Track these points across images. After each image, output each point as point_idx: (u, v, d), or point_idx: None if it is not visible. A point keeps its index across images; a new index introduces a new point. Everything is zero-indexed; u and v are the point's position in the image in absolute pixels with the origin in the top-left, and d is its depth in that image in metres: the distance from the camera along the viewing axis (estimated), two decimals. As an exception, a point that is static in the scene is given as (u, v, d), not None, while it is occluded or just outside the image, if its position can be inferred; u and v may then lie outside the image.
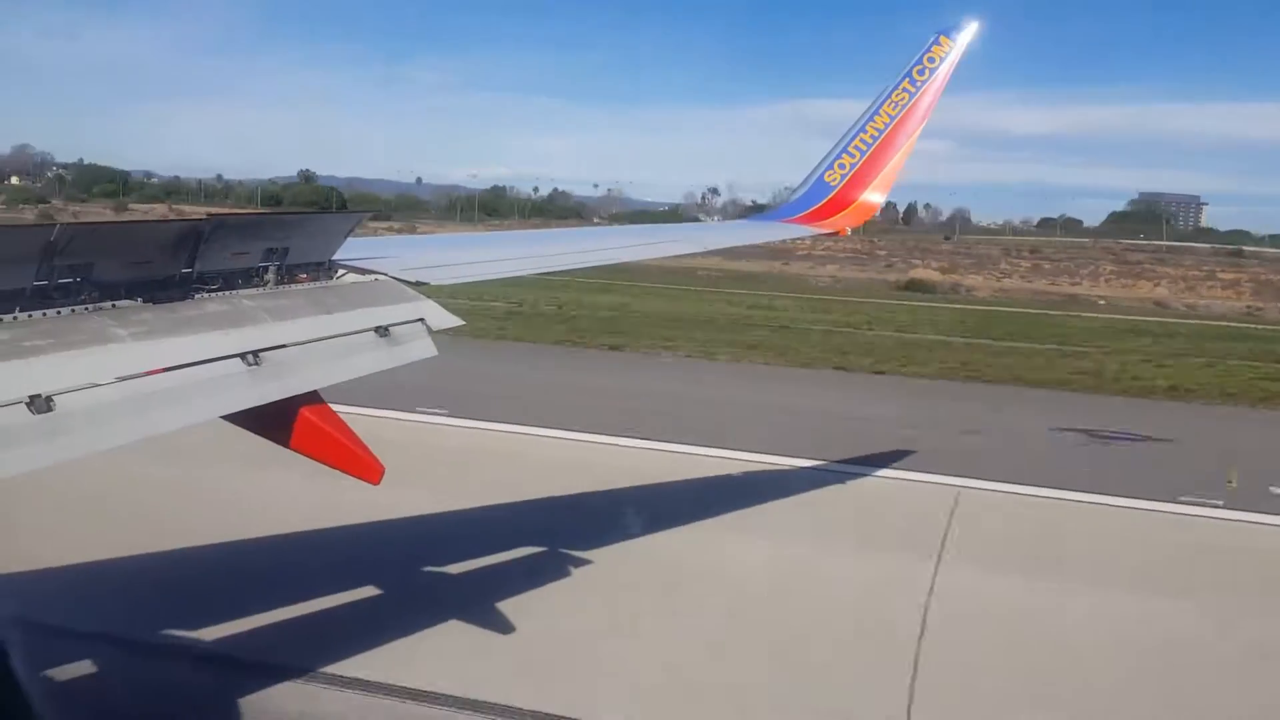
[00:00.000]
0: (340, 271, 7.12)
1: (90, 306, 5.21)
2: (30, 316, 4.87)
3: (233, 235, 6.16)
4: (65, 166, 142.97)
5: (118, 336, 5.10)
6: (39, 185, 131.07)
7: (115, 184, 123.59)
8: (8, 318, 4.76)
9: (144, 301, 5.53)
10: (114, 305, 5.34)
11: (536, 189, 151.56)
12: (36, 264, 4.89)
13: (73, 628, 9.23)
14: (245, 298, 6.18)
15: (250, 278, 6.37)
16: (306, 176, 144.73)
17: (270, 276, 6.48)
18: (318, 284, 6.87)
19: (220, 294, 6.06)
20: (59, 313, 5.03)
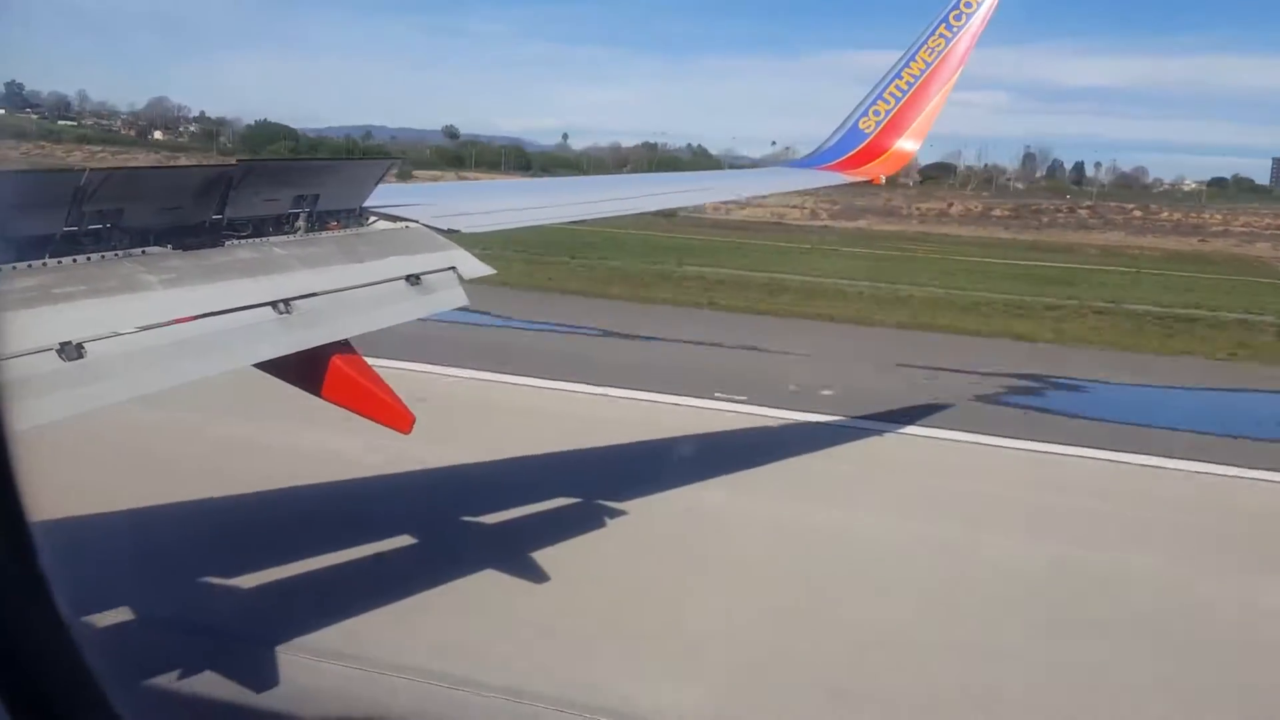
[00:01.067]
0: (371, 218, 7.06)
1: (120, 253, 5.17)
2: (60, 262, 4.83)
3: (263, 181, 6.10)
4: (217, 122, 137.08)
5: (148, 283, 5.06)
6: (182, 139, 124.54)
7: (290, 141, 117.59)
8: (38, 263, 4.73)
9: (174, 248, 5.48)
10: (144, 252, 5.30)
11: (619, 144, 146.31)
12: (66, 209, 4.84)
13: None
14: (276, 245, 6.13)
15: (281, 224, 6.32)
16: (451, 133, 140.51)
17: (301, 223, 6.42)
18: (349, 231, 6.81)
19: (251, 241, 6.01)
20: (89, 259, 4.99)
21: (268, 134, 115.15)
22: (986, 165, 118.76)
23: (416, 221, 7.26)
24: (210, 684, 7.52)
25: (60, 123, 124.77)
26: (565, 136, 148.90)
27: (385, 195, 7.27)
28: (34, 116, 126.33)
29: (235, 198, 5.80)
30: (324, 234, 6.58)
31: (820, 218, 77.93)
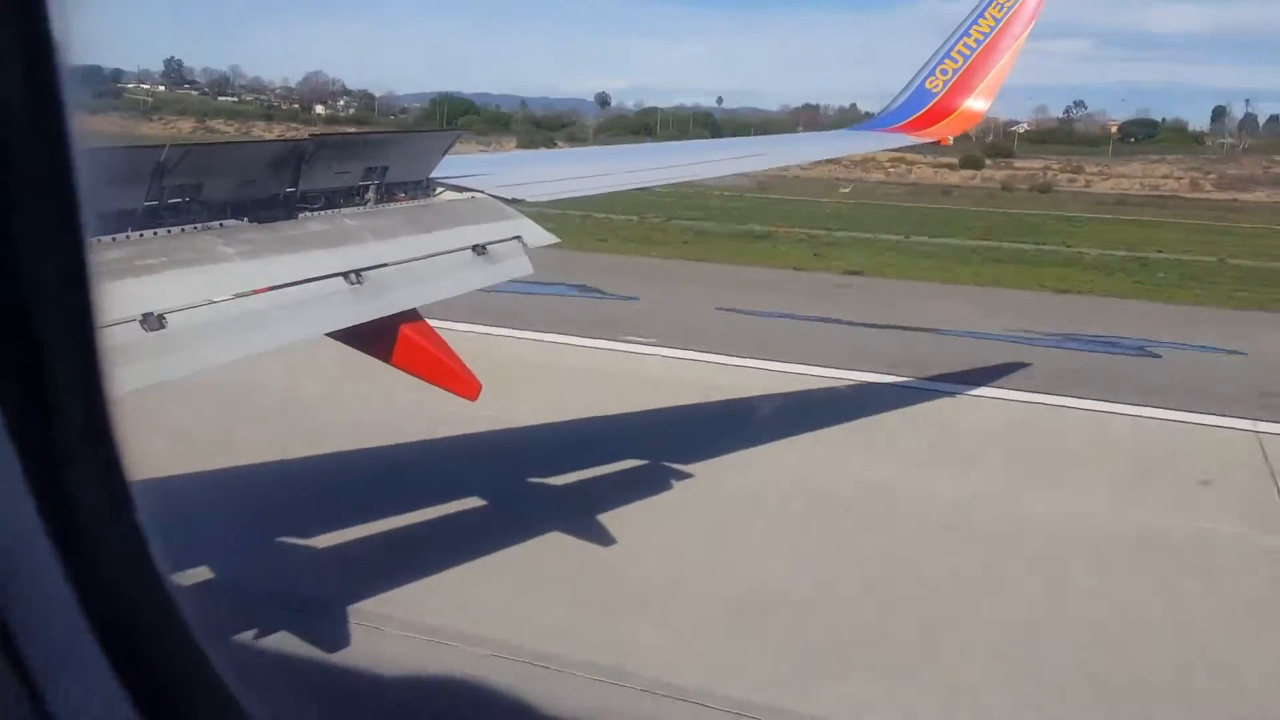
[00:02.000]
0: (438, 189, 7.17)
1: (199, 225, 5.33)
2: (142, 235, 5.00)
3: (334, 155, 6.24)
4: (361, 95, 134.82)
5: (226, 255, 5.22)
6: (344, 113, 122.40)
7: (476, 115, 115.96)
8: (121, 236, 4.89)
9: (250, 221, 5.64)
10: (221, 225, 5.46)
11: (721, 99, 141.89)
12: (147, 184, 5.01)
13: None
14: (347, 217, 6.27)
15: (351, 197, 6.46)
16: (602, 101, 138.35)
17: (370, 195, 6.56)
18: (416, 202, 6.93)
19: (323, 213, 6.16)
20: (169, 231, 5.16)
21: (452, 108, 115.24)
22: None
23: (482, 192, 7.35)
24: (289, 643, 7.75)
25: (220, 99, 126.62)
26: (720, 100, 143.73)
27: (450, 166, 7.37)
28: (194, 94, 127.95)
29: (308, 171, 5.95)
30: (393, 205, 6.71)
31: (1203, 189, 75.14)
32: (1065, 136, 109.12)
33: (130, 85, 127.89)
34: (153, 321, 4.49)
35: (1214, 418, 15.11)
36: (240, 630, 7.72)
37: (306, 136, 6.18)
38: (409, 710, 7.53)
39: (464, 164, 8.20)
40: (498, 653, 7.93)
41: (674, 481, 11.55)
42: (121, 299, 4.46)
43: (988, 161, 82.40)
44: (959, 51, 12.33)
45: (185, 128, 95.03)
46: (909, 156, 72.19)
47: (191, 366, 4.70)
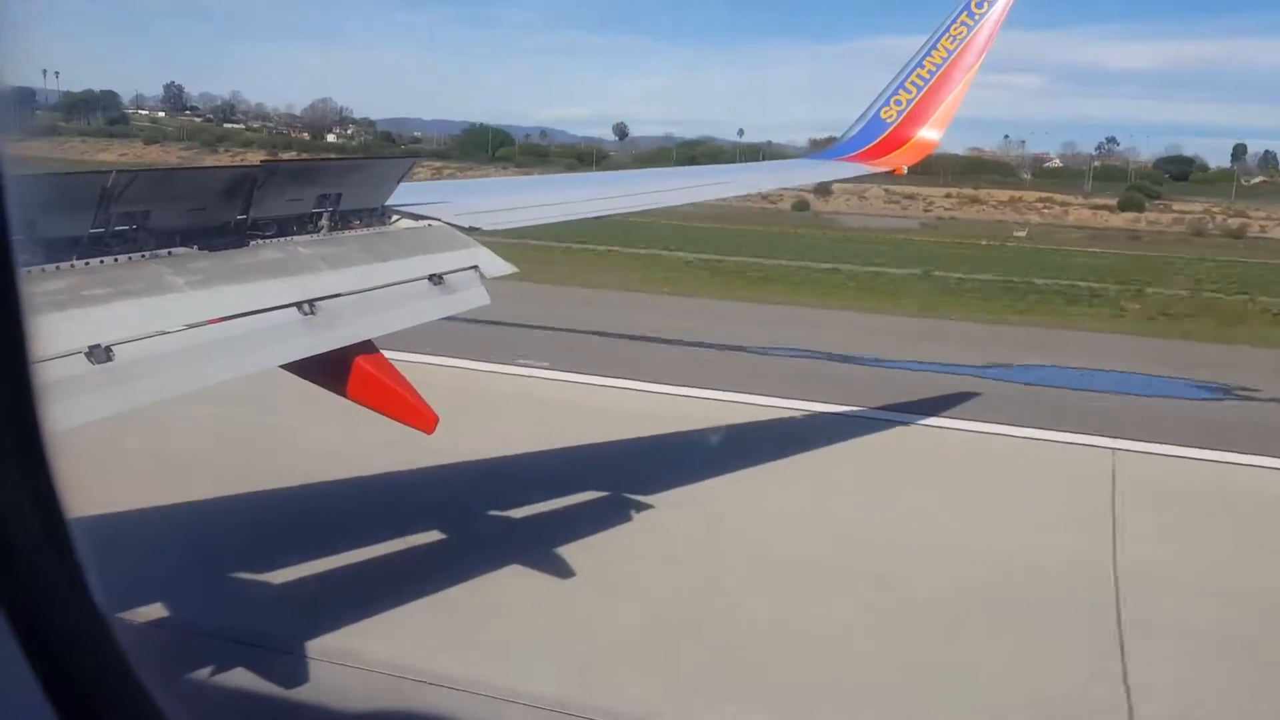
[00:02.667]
0: (394, 217, 7.08)
1: (147, 254, 5.20)
2: (88, 264, 4.87)
3: (287, 181, 6.14)
4: (364, 123, 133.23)
5: (175, 285, 5.09)
6: (355, 140, 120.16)
7: (512, 145, 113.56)
8: (65, 265, 4.76)
9: (200, 249, 5.52)
10: (170, 253, 5.33)
11: (741, 132, 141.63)
12: (93, 211, 4.88)
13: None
14: (300, 245, 6.16)
15: (305, 224, 6.35)
16: (620, 132, 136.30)
17: (324, 223, 6.45)
18: (371, 230, 6.83)
19: (275, 241, 6.04)
20: (116, 260, 5.03)
21: (488, 137, 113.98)
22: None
23: (439, 220, 7.27)
24: (242, 680, 7.57)
25: (226, 125, 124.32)
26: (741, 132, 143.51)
27: (406, 194, 7.29)
28: (196, 120, 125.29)
29: (260, 198, 5.84)
30: (347, 233, 6.61)
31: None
32: (1103, 173, 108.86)
33: (130, 111, 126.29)
34: (99, 354, 4.36)
35: None
36: (191, 668, 7.56)
37: (259, 163, 6.06)
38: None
39: (421, 191, 8.13)
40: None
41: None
42: (66, 330, 4.34)
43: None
44: (912, 82, 12.48)
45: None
46: (1056, 196, 71.02)
47: (140, 399, 4.57)
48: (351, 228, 6.67)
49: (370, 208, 6.88)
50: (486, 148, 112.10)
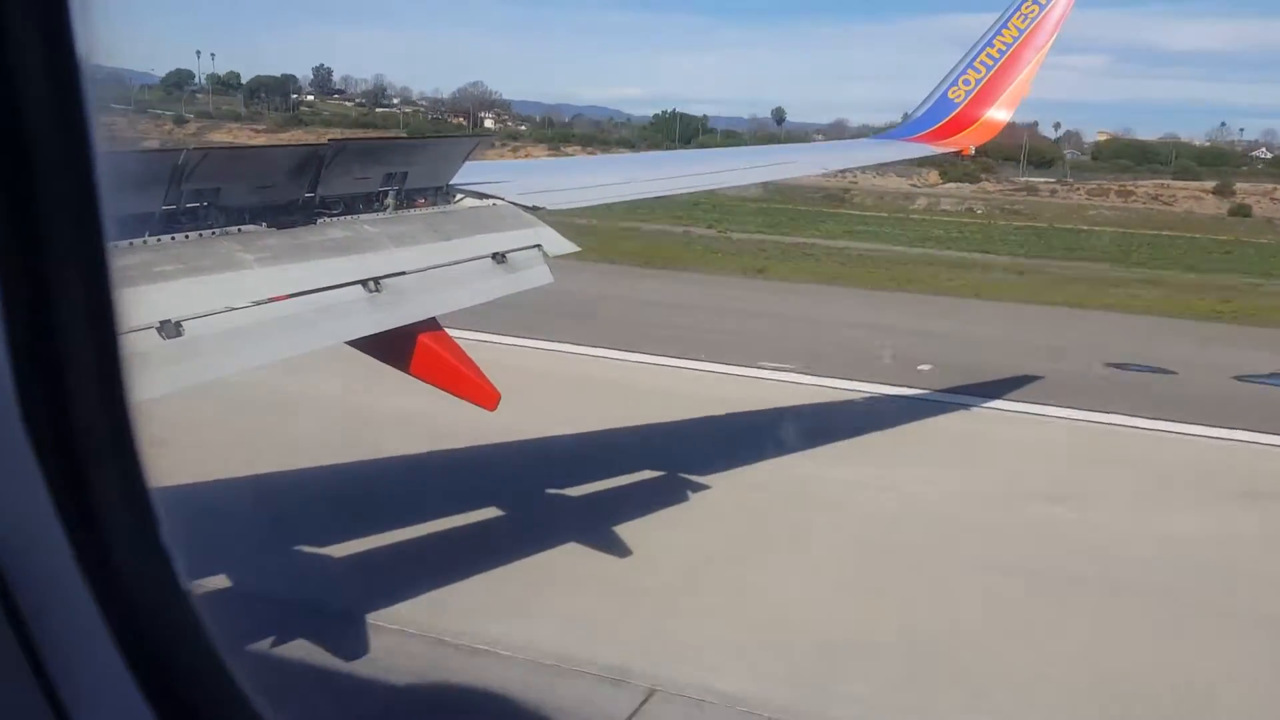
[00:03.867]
0: (458, 196, 7.12)
1: (217, 231, 5.28)
2: (160, 240, 4.95)
3: (354, 160, 6.19)
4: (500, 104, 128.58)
5: (244, 262, 5.17)
6: (512, 126, 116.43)
7: (712, 134, 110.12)
8: (138, 241, 4.85)
9: (269, 226, 5.59)
10: (240, 230, 5.41)
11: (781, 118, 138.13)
12: (165, 188, 4.96)
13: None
14: (366, 223, 6.22)
15: (370, 202, 6.41)
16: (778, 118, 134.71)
17: (390, 201, 6.51)
18: (436, 209, 6.88)
19: (342, 219, 6.10)
20: (187, 237, 5.11)
21: (684, 126, 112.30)
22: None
23: (502, 199, 7.29)
24: (308, 651, 7.70)
25: (378, 110, 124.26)
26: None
27: (471, 173, 7.32)
28: (348, 105, 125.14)
29: (327, 176, 5.90)
30: (412, 211, 6.65)
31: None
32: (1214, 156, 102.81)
33: (295, 96, 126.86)
34: (170, 329, 4.45)
35: None
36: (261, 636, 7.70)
37: (325, 141, 6.13)
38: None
39: (485, 170, 8.16)
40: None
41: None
42: (138, 306, 4.42)
43: None
44: (982, 61, 12.25)
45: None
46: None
47: (208, 374, 4.65)
48: (417, 206, 6.72)
49: (435, 186, 6.92)
50: (674, 135, 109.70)
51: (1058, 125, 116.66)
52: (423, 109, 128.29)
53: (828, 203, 62.94)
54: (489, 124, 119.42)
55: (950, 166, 72.97)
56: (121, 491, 1.80)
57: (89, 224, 1.65)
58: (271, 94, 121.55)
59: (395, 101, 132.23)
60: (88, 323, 1.71)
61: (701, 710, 7.46)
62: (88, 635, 1.73)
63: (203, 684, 1.93)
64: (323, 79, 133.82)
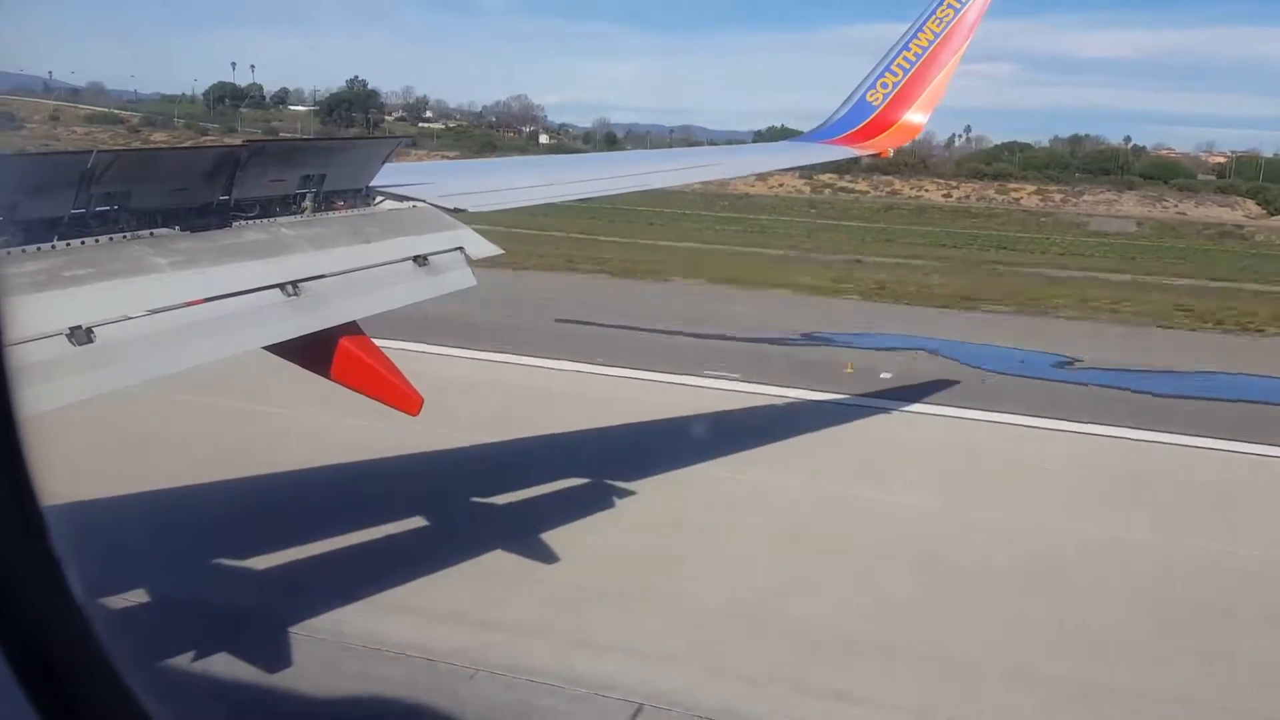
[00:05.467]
0: (378, 198, 7.03)
1: (129, 234, 5.16)
2: (69, 245, 4.83)
3: (270, 162, 6.09)
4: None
5: (157, 266, 5.06)
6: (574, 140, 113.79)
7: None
8: (46, 246, 4.72)
9: (182, 229, 5.48)
10: (152, 234, 5.29)
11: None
12: (74, 191, 4.84)
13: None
14: (283, 225, 6.12)
15: (288, 205, 6.30)
16: None
17: (308, 204, 6.41)
18: (355, 211, 6.79)
19: (258, 222, 6.00)
20: (98, 241, 4.99)
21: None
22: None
23: (423, 201, 7.23)
24: (225, 665, 7.57)
25: (420, 125, 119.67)
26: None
27: (390, 175, 7.24)
28: (388, 117, 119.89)
29: (242, 178, 5.79)
30: (331, 214, 6.56)
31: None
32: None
33: (304, 108, 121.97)
34: (81, 335, 4.34)
35: None
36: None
37: (242, 143, 6.01)
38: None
39: (405, 172, 8.08)
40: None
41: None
42: (47, 312, 4.31)
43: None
44: (899, 65, 12.42)
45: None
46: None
47: (121, 381, 4.54)
48: (335, 209, 6.63)
49: (355, 188, 6.83)
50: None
51: (968, 128, 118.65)
52: (464, 123, 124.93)
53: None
54: (544, 139, 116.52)
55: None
56: (8, 502, 1.77)
57: None
58: (352, 109, 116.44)
59: (428, 115, 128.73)
60: None
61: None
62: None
63: (93, 691, 1.89)
64: (359, 91, 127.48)
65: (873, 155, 13.22)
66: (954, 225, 62.92)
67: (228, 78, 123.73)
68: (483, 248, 7.10)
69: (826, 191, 77.80)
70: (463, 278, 6.86)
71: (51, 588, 1.81)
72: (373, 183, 6.99)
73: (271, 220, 6.09)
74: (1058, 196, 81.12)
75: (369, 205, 6.94)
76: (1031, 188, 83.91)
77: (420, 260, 6.60)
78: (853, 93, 12.80)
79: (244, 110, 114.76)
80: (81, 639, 1.87)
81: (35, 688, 1.73)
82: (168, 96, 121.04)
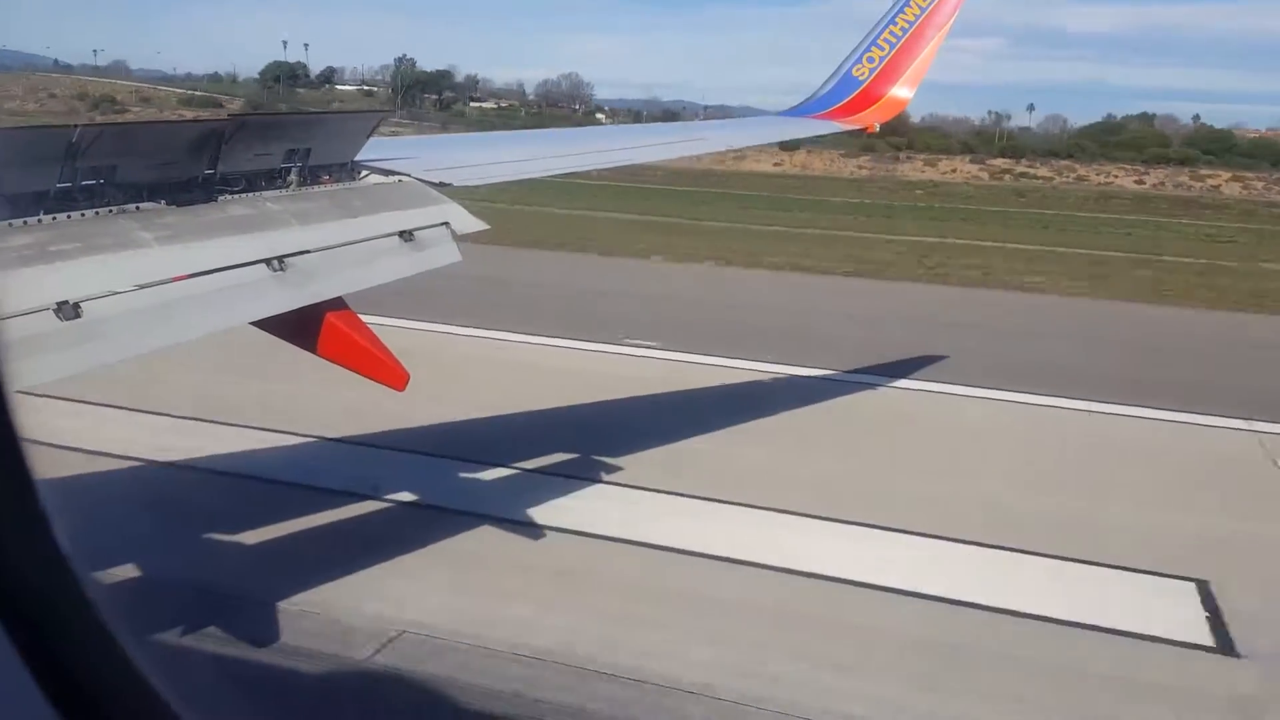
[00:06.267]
0: (363, 172, 7.03)
1: (115, 209, 5.16)
2: (55, 219, 4.82)
3: (255, 136, 6.08)
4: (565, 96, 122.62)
5: (143, 240, 5.06)
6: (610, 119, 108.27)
7: None
8: (32, 220, 4.71)
9: (168, 204, 5.47)
10: (138, 208, 5.29)
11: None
12: (59, 165, 4.82)
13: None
14: (269, 200, 6.12)
15: (273, 179, 6.30)
16: None
17: (293, 178, 6.40)
18: (340, 185, 6.78)
19: (244, 196, 6.00)
20: (84, 215, 4.98)
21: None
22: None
23: (409, 175, 7.22)
24: (212, 637, 7.60)
25: (471, 105, 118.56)
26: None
27: (376, 149, 7.23)
28: (431, 97, 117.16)
29: (228, 152, 5.78)
30: (316, 188, 6.55)
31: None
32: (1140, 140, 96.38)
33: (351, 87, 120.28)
34: (68, 310, 4.35)
35: None
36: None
37: (227, 116, 6.00)
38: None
39: (391, 146, 8.06)
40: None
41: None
42: (33, 287, 4.31)
43: None
44: (885, 40, 12.41)
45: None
46: None
47: (108, 357, 4.56)
48: (321, 183, 6.62)
49: (340, 163, 6.83)
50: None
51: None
52: (514, 104, 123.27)
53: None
54: (601, 118, 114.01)
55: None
56: (3, 486, 1.77)
57: None
58: (426, 91, 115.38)
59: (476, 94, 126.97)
60: None
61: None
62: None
63: (105, 678, 1.89)
64: (405, 67, 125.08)
65: (859, 130, 13.22)
66: (1247, 222, 53.52)
67: (274, 57, 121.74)
68: (469, 223, 7.11)
69: (1007, 178, 74.53)
70: (448, 253, 6.88)
71: (48, 564, 1.81)
72: (358, 157, 6.98)
73: (257, 195, 6.09)
74: (1259, 184, 77.03)
75: (354, 179, 6.94)
76: (1227, 174, 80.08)
77: (406, 235, 6.62)
78: (839, 67, 12.78)
79: (299, 91, 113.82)
80: (82, 616, 1.87)
81: (46, 679, 1.73)
82: (212, 77, 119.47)
